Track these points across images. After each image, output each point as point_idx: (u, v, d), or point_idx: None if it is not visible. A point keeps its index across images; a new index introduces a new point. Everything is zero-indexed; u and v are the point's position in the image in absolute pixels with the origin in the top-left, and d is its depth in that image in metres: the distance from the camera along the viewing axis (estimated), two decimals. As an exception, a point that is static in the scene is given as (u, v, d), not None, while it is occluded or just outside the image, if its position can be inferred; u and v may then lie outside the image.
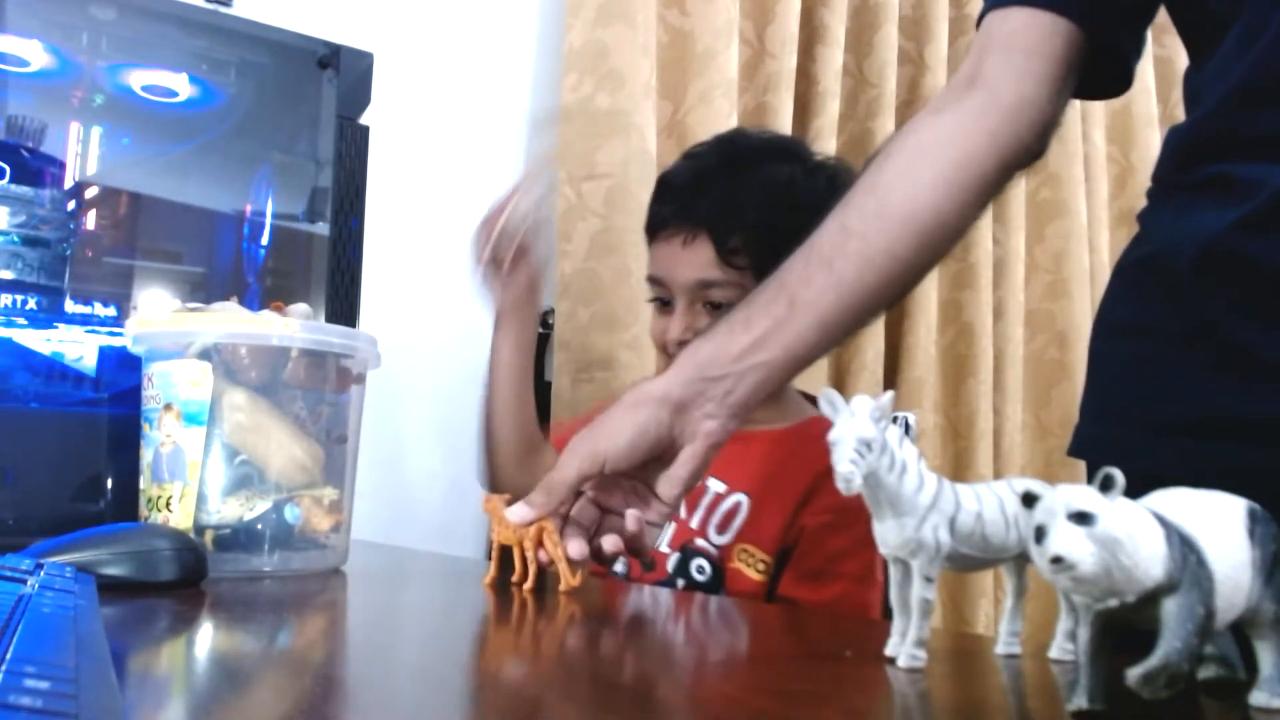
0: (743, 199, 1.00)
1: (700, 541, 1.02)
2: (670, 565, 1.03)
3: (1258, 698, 0.39)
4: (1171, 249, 0.68)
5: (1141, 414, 0.70)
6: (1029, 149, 0.72)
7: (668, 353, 1.05)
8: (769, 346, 0.69)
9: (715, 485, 1.03)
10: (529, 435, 1.16)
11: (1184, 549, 0.36)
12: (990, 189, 0.72)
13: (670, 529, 1.05)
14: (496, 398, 1.14)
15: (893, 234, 0.70)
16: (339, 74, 1.07)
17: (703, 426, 0.70)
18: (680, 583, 1.02)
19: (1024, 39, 0.70)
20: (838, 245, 0.70)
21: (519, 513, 0.70)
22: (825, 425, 0.45)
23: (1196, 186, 0.67)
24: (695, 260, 1.01)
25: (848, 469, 0.43)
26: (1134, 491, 0.37)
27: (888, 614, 0.50)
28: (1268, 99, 0.63)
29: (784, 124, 1.67)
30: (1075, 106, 2.07)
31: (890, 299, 0.73)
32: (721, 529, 1.02)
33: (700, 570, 1.02)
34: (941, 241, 0.72)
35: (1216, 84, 0.66)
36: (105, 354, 0.96)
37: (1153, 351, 0.69)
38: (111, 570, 0.62)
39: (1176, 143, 0.70)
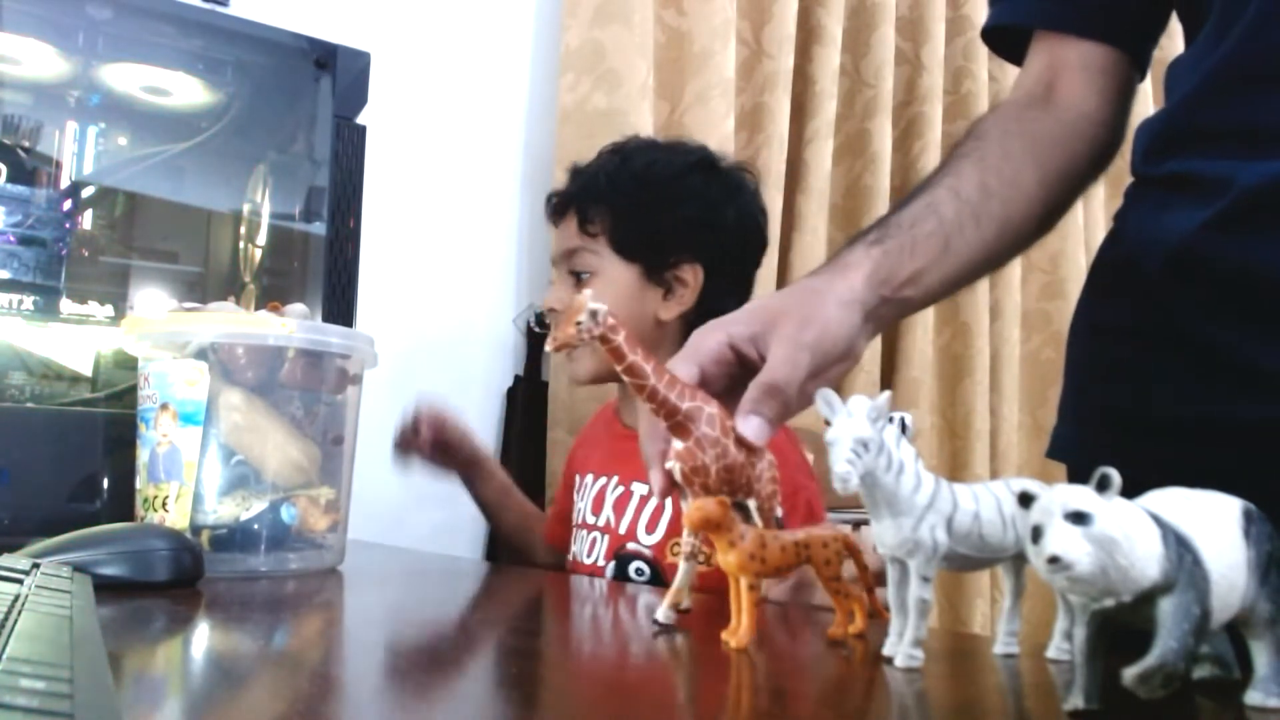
0: (601, 177, 1.10)
1: (632, 545, 1.03)
2: (608, 574, 1.03)
3: (1253, 697, 0.39)
4: (1143, 250, 0.68)
5: (1116, 416, 0.70)
6: (1106, 159, 0.76)
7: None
8: (920, 283, 0.64)
9: (639, 488, 1.04)
10: (526, 518, 1.27)
11: (1180, 549, 0.36)
12: (1078, 194, 0.76)
13: (603, 541, 1.05)
14: (493, 517, 1.27)
15: (1024, 207, 0.69)
16: (336, 74, 1.07)
17: (859, 346, 0.62)
18: None
19: (1097, 63, 0.74)
20: (982, 202, 0.67)
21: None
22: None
23: (1164, 182, 0.68)
24: (564, 233, 1.13)
25: (845, 469, 0.43)
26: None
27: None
28: (1234, 91, 0.63)
29: (781, 124, 1.67)
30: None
31: (985, 274, 0.72)
32: (650, 528, 1.02)
33: (639, 572, 1.02)
34: (1040, 231, 0.73)
35: (1189, 76, 0.66)
36: (101, 353, 0.96)
37: (1126, 353, 0.69)
38: (108, 570, 0.62)
39: (1146, 135, 0.71)
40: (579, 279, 1.09)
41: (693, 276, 1.08)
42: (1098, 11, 0.74)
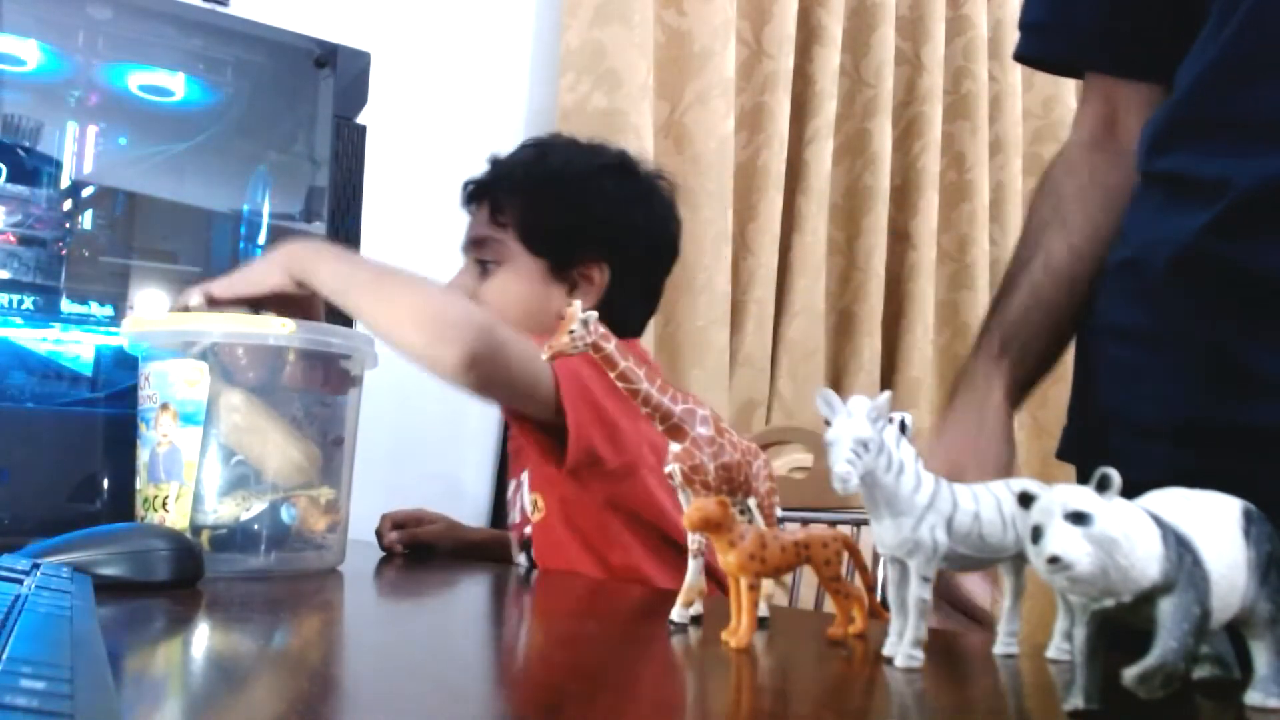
0: (518, 169, 1.11)
1: (528, 529, 1.02)
2: (523, 567, 1.03)
3: (1253, 697, 0.39)
4: (1147, 253, 0.68)
5: (1123, 418, 0.70)
6: None
7: None
8: (1041, 368, 0.77)
9: (525, 476, 1.03)
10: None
11: (1180, 549, 0.36)
12: None
13: (516, 539, 1.05)
14: None
15: (1105, 254, 0.75)
16: (336, 73, 1.07)
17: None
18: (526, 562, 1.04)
19: (1152, 101, 0.76)
20: (1073, 265, 0.76)
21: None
22: None
23: (1165, 181, 0.68)
24: (475, 221, 1.12)
25: (844, 469, 0.43)
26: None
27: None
28: (1228, 84, 0.64)
29: (781, 124, 1.67)
30: (1068, 109, 2.07)
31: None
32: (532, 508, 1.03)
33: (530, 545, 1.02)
34: None
35: (1190, 70, 0.67)
36: (101, 354, 0.96)
37: (1133, 355, 0.69)
38: (108, 570, 0.62)
39: (1149, 131, 0.71)
40: (484, 268, 1.08)
41: (598, 275, 1.08)
42: (1143, 54, 0.75)
